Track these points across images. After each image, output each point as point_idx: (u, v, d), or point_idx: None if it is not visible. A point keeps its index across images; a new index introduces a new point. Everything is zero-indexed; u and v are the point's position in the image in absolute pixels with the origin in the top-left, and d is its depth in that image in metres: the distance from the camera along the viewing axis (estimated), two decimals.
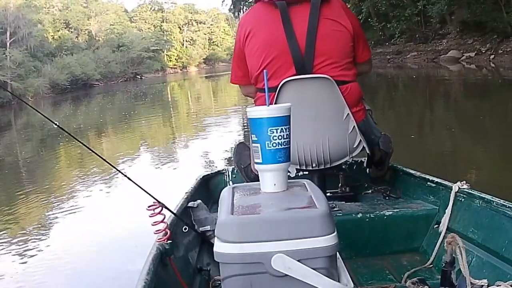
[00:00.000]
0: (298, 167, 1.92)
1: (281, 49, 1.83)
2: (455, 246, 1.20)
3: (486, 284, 1.22)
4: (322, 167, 1.92)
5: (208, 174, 2.46)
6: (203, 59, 71.43)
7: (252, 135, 1.13)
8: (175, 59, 64.53)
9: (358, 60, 1.97)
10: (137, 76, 48.26)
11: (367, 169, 2.31)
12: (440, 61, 21.18)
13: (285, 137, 1.11)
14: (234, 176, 2.46)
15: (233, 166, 2.40)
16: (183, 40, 69.63)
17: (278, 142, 1.10)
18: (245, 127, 9.85)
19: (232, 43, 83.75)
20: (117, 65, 45.67)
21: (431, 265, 1.71)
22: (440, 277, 1.29)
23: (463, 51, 20.72)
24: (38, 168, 7.57)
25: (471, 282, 1.18)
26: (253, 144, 1.14)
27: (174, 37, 66.80)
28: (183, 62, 65.94)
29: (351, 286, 1.03)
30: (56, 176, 6.87)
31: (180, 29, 70.46)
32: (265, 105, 1.12)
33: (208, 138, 8.62)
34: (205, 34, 74.05)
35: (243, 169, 2.19)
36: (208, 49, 73.78)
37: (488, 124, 6.70)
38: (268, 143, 1.11)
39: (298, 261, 0.96)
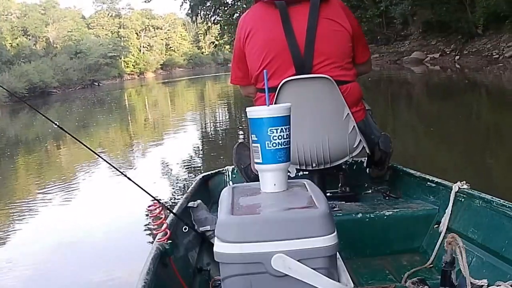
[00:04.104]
0: (298, 167, 1.92)
1: (280, 49, 1.83)
2: (455, 246, 1.20)
3: (486, 284, 1.22)
4: (322, 167, 1.92)
5: (208, 174, 2.46)
6: (160, 64, 71.04)
7: (252, 135, 1.13)
8: (132, 65, 63.80)
9: (358, 61, 1.97)
10: (95, 83, 47.30)
11: (367, 169, 2.31)
12: (403, 62, 21.08)
13: (285, 137, 1.11)
14: (234, 176, 2.46)
15: (233, 166, 2.40)
16: (140, 46, 69.13)
17: (278, 142, 1.10)
18: (203, 130, 9.93)
19: (188, 48, 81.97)
20: (74, 72, 44.94)
21: (431, 265, 1.71)
22: (440, 277, 1.30)
23: (426, 52, 20.64)
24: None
25: (471, 282, 1.18)
26: (253, 144, 1.14)
27: (131, 43, 66.28)
28: (140, 68, 65.31)
29: (351, 286, 1.03)
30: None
31: (137, 35, 70.10)
32: (265, 105, 1.12)
33: (165, 143, 8.70)
34: (162, 39, 73.72)
35: (243, 169, 2.19)
36: (165, 54, 73.52)
37: (452, 127, 6.68)
38: (268, 143, 1.11)
39: (298, 261, 0.96)
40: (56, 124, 1.54)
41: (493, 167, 4.65)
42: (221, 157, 6.18)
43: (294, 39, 1.82)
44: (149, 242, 3.46)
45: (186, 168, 5.96)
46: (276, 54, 1.84)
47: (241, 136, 8.21)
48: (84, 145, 1.65)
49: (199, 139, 8.76)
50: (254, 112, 1.12)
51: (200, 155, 7.22)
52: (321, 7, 1.83)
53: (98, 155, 1.69)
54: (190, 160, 6.59)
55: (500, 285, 1.18)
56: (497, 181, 4.03)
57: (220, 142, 8.34)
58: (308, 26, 1.82)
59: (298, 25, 1.82)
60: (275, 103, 1.79)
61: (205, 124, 11.13)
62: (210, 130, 9.91)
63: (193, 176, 5.41)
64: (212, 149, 7.49)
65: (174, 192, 4.86)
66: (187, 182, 5.13)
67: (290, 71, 1.84)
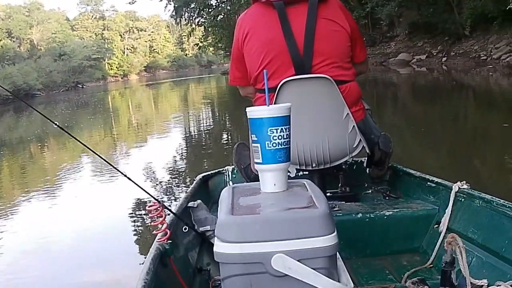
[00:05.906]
0: (298, 167, 1.92)
1: (279, 49, 1.83)
2: (455, 246, 1.21)
3: (486, 284, 1.22)
4: (322, 167, 1.92)
5: (208, 174, 2.46)
6: (144, 67, 71.30)
7: (252, 135, 1.13)
8: (116, 67, 63.84)
9: (356, 60, 1.97)
10: (79, 85, 47.43)
11: (367, 169, 2.31)
12: (390, 64, 20.95)
13: (285, 137, 1.11)
14: (234, 176, 2.46)
15: (233, 166, 2.40)
16: (124, 48, 69.25)
17: (278, 142, 1.10)
18: (187, 132, 9.95)
19: (172, 50, 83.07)
20: (58, 74, 45.02)
21: (431, 265, 1.71)
22: (440, 277, 1.29)
23: (413, 54, 20.53)
24: None
25: (471, 282, 1.18)
26: (253, 144, 1.14)
27: (115, 45, 66.42)
28: (124, 70, 65.35)
29: (351, 286, 1.03)
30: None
31: (121, 37, 70.24)
32: (265, 105, 1.12)
33: (148, 145, 8.75)
34: (146, 41, 74.02)
35: (243, 169, 2.19)
36: (149, 56, 73.76)
37: (441, 128, 6.66)
38: (268, 143, 1.11)
39: (298, 261, 0.96)
40: (56, 124, 1.55)
41: (485, 166, 4.67)
42: (204, 159, 6.22)
43: (293, 40, 1.82)
44: (135, 241, 3.47)
45: (168, 169, 5.97)
46: (275, 54, 1.84)
47: (224, 137, 8.28)
48: (85, 145, 1.65)
49: (183, 140, 8.80)
50: (254, 112, 1.12)
51: (184, 156, 7.26)
52: (319, 7, 1.83)
53: (99, 156, 1.68)
54: (173, 161, 6.62)
55: (500, 285, 1.18)
56: (491, 181, 4.05)
57: (203, 143, 8.38)
58: (307, 26, 1.82)
59: (296, 25, 1.83)
60: (274, 103, 1.79)
61: (189, 125, 11.15)
62: (194, 132, 9.96)
63: (177, 176, 5.45)
64: (195, 150, 7.54)
65: (156, 191, 4.86)
66: (171, 183, 5.15)
67: (290, 71, 1.84)
